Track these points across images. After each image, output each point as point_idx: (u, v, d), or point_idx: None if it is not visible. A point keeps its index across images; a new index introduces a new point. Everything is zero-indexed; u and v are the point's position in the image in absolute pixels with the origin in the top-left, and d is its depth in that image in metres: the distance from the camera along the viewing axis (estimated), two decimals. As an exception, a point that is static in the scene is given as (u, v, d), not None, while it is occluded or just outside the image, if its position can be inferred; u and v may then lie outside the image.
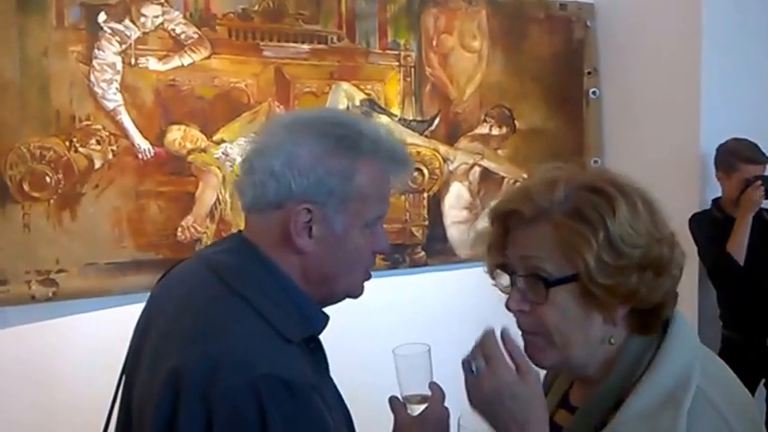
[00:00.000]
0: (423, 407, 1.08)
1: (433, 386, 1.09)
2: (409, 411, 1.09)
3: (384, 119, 2.72)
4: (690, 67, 2.76)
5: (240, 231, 1.00)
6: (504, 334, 0.88)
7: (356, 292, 1.00)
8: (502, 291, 0.95)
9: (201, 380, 0.81)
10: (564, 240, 0.85)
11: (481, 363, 0.87)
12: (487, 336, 0.88)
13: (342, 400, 1.01)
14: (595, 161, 3.11)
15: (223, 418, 0.80)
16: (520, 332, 0.92)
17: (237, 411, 0.81)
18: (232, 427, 0.81)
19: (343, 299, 1.00)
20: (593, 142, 3.15)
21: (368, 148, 0.94)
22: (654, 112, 2.93)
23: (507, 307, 0.91)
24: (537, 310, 0.88)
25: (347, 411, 1.01)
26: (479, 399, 0.87)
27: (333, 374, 1.04)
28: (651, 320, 0.89)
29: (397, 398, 1.11)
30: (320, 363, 1.00)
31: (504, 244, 0.93)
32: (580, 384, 0.98)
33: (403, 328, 2.49)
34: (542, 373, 1.03)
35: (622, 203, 0.85)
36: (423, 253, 2.82)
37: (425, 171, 2.81)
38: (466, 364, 0.88)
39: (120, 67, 2.31)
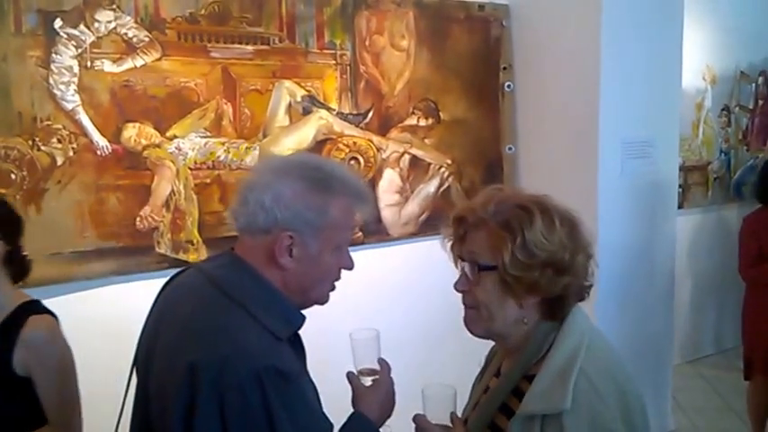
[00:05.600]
0: (374, 378, 1.33)
1: (381, 361, 1.35)
2: (363, 382, 1.33)
3: (323, 112, 2.94)
4: (591, 65, 3.05)
5: (232, 249, 1.20)
6: None
7: (323, 300, 1.23)
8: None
9: (215, 372, 1.01)
10: (493, 241, 1.15)
11: None
12: (417, 415, 1.21)
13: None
14: (510, 148, 3.40)
15: (233, 402, 1.00)
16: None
17: (245, 397, 1.00)
18: (241, 409, 1.00)
19: (313, 305, 1.22)
20: (508, 131, 3.42)
21: (338, 188, 1.16)
22: (560, 103, 3.22)
23: (455, 287, 1.21)
24: (473, 290, 1.18)
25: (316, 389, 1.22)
26: None
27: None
28: (556, 310, 1.18)
29: (353, 372, 1.35)
30: (299, 353, 1.23)
31: (463, 241, 1.22)
32: (507, 357, 1.27)
33: (343, 300, 2.78)
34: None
35: (539, 218, 1.14)
36: (360, 233, 3.03)
37: (361, 160, 3.04)
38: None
39: (76, 69, 2.41)
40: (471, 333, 1.23)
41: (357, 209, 1.21)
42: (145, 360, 1.17)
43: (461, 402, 1.32)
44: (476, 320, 1.20)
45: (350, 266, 1.24)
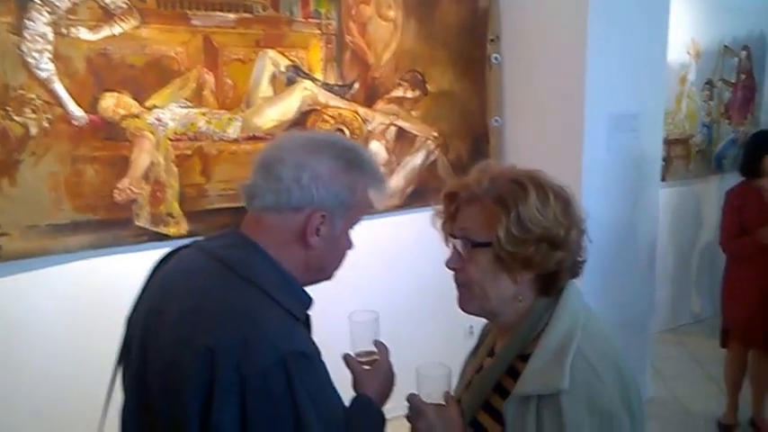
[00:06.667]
0: (370, 360, 1.30)
1: (379, 344, 1.33)
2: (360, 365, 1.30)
3: (308, 83, 2.87)
4: (578, 38, 3.00)
5: (236, 228, 1.16)
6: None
7: (330, 278, 1.22)
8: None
9: (236, 357, 0.96)
10: (487, 217, 1.13)
11: (412, 411, 1.16)
12: (411, 395, 1.18)
13: None
14: (496, 120, 3.37)
15: (256, 387, 0.96)
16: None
17: (268, 383, 0.97)
18: (264, 394, 0.97)
19: (318, 283, 1.19)
20: (495, 103, 3.38)
21: (366, 168, 1.15)
22: (547, 76, 3.19)
23: (447, 265, 1.19)
24: (465, 268, 1.16)
25: None
26: None
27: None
28: (550, 286, 1.16)
29: (350, 355, 1.32)
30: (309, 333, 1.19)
31: (454, 219, 1.20)
32: (501, 336, 1.24)
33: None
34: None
35: (534, 194, 1.12)
36: None
37: (347, 131, 2.99)
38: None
39: (51, 37, 2.32)
40: (465, 311, 1.20)
41: (378, 190, 1.19)
42: (142, 343, 1.11)
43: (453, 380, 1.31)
44: (469, 299, 1.18)
45: (351, 247, 1.22)
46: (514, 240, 1.10)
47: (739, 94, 4.89)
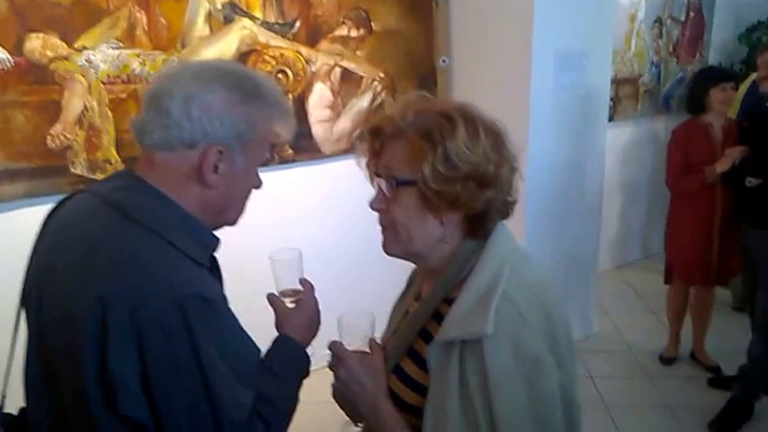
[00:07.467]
0: (296, 299, 1.27)
1: (304, 282, 1.29)
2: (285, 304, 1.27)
3: (246, 21, 2.77)
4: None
5: (129, 169, 1.09)
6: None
7: (236, 221, 1.16)
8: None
9: (128, 306, 0.91)
10: (412, 153, 1.05)
11: (334, 360, 1.13)
12: (333, 342, 1.13)
13: None
14: (444, 60, 3.32)
15: (154, 337, 0.91)
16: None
17: (166, 329, 0.92)
18: (164, 343, 0.92)
19: (223, 227, 1.14)
20: (442, 42, 3.32)
21: (267, 100, 1.07)
22: (494, 13, 3.14)
23: (371, 206, 1.11)
24: (389, 209, 1.09)
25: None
26: (337, 386, 1.13)
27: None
28: (477, 227, 1.10)
29: (274, 294, 1.28)
30: (217, 277, 1.16)
31: (379, 156, 1.11)
32: (427, 280, 1.20)
33: (273, 221, 2.72)
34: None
35: (462, 128, 1.04)
36: (290, 150, 2.98)
37: (290, 73, 2.91)
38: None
39: (-35, -28, 2.19)
40: (389, 255, 1.14)
41: (283, 123, 1.12)
42: (37, 295, 1.05)
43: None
44: (393, 241, 1.12)
45: (260, 185, 1.16)
46: (441, 178, 1.03)
47: (687, 32, 4.91)
